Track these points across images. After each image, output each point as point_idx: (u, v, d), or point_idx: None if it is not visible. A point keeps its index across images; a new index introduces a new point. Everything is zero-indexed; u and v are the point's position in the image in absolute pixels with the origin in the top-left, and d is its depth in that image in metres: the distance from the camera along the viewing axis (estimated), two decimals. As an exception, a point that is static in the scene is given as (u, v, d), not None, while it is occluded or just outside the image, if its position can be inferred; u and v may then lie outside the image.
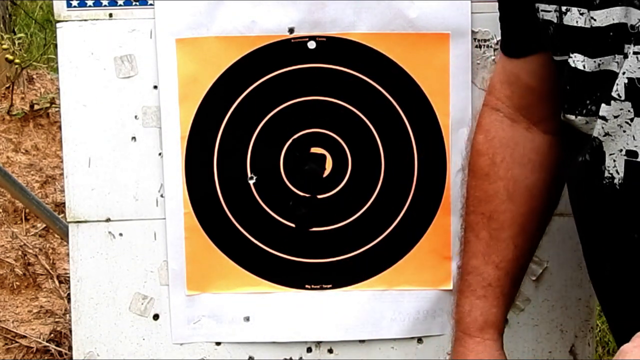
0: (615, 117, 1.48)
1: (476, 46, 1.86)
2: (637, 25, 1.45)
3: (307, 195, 1.89)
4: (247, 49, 1.85)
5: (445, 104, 1.86)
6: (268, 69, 1.86)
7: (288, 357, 1.93)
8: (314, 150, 1.88)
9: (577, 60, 1.51)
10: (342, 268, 1.90)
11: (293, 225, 1.90)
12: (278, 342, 1.93)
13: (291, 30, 1.85)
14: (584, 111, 1.54)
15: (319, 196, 1.89)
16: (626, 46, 1.46)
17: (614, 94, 1.47)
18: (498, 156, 1.74)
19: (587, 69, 1.51)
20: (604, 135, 1.50)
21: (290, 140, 1.88)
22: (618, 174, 1.50)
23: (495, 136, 1.74)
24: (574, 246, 1.89)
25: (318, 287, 1.91)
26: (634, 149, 1.48)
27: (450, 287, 1.91)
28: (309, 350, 1.93)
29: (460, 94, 1.86)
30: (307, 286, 1.91)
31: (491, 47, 1.86)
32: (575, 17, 1.51)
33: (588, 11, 1.49)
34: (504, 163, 1.73)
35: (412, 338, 1.93)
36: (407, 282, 1.91)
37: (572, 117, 1.55)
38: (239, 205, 1.89)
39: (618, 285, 1.57)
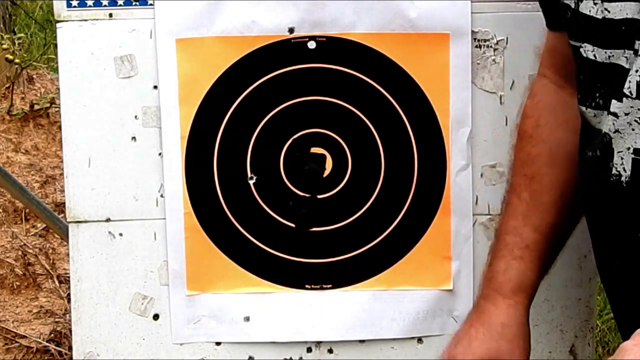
0: (626, 114, 1.48)
1: (476, 46, 1.86)
2: None
3: (307, 195, 1.89)
4: (247, 49, 1.85)
5: (445, 104, 1.86)
6: (268, 69, 1.86)
7: (288, 357, 1.93)
8: (314, 150, 1.88)
9: (588, 50, 1.51)
10: (342, 268, 1.90)
11: (293, 225, 1.90)
12: (278, 342, 1.93)
13: (291, 30, 1.85)
14: (593, 104, 1.54)
15: (319, 196, 1.89)
16: (637, 42, 1.46)
17: (625, 90, 1.47)
18: (542, 119, 1.74)
19: (598, 59, 1.50)
20: (614, 132, 1.49)
21: (290, 140, 1.88)
22: (625, 171, 1.49)
23: (541, 100, 1.74)
24: (574, 246, 1.89)
25: (318, 287, 1.91)
26: None
27: (450, 287, 1.91)
28: (309, 350, 1.93)
29: (460, 94, 1.86)
30: (307, 286, 1.91)
31: (491, 47, 1.86)
32: (589, 6, 1.50)
33: (602, 2, 1.48)
34: (548, 126, 1.73)
35: (412, 338, 1.93)
36: (407, 282, 1.91)
37: (583, 109, 1.55)
38: (239, 205, 1.89)
39: (626, 282, 1.57)
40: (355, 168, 1.88)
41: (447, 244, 1.90)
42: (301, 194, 1.89)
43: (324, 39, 1.85)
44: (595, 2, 1.50)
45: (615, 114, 1.49)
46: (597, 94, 1.53)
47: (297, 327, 1.91)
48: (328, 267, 1.90)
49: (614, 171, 1.51)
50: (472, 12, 1.84)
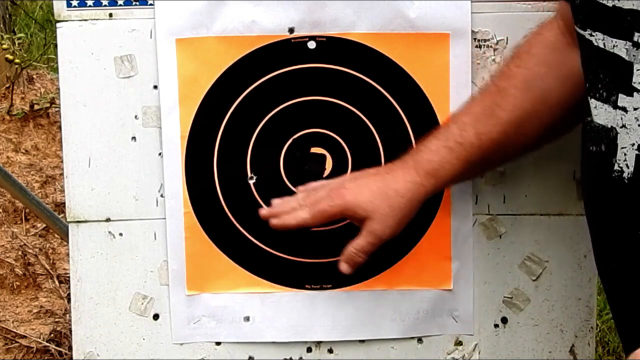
0: (635, 109, 1.46)
1: (476, 46, 1.86)
2: None
3: (307, 195, 1.89)
4: (247, 49, 1.85)
5: (445, 104, 1.86)
6: (268, 69, 1.86)
7: (288, 357, 1.93)
8: (314, 150, 1.88)
9: (599, 39, 1.50)
10: (342, 268, 1.90)
11: (293, 225, 1.89)
12: (278, 342, 1.93)
13: (291, 30, 1.85)
14: (597, 95, 1.53)
15: (319, 196, 1.89)
16: (636, 34, 1.45)
17: (636, 85, 1.46)
18: (535, 48, 1.73)
19: (606, 48, 1.49)
20: (621, 127, 1.49)
21: (290, 140, 1.88)
22: (628, 168, 1.49)
23: (544, 36, 1.73)
24: (574, 246, 1.89)
25: (318, 287, 1.91)
26: None
27: (450, 287, 1.91)
28: (309, 350, 1.93)
29: (460, 94, 1.86)
30: (307, 286, 1.91)
31: (491, 47, 1.86)
32: None
33: None
34: (537, 57, 1.72)
35: (412, 338, 1.93)
36: (407, 282, 1.91)
37: (588, 100, 1.54)
38: (239, 205, 1.89)
39: (624, 279, 1.56)
40: (355, 168, 1.88)
41: (447, 244, 1.90)
42: (301, 194, 1.89)
43: (324, 39, 1.85)
44: None
45: (624, 109, 1.48)
46: (600, 85, 1.52)
47: (297, 327, 1.91)
48: (328, 267, 1.90)
49: (616, 167, 1.50)
50: (472, 12, 1.84)
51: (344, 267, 1.77)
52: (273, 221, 1.79)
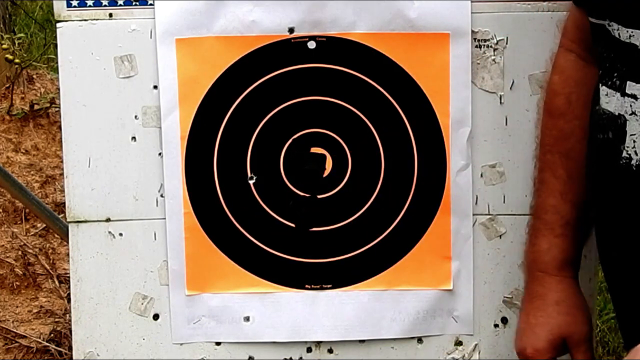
0: None
1: (476, 46, 1.86)
2: None
3: (307, 195, 1.89)
4: (247, 49, 1.85)
5: (445, 104, 1.86)
6: (268, 69, 1.86)
7: (288, 357, 1.93)
8: (314, 150, 1.88)
9: (614, 29, 1.50)
10: (342, 268, 1.90)
11: (293, 225, 1.90)
12: (278, 342, 1.93)
13: (291, 30, 1.85)
14: (610, 82, 1.52)
15: (319, 196, 1.89)
16: None
17: None
18: (574, 95, 1.72)
19: (621, 38, 1.49)
20: (630, 114, 1.48)
21: (290, 140, 1.88)
22: (637, 155, 1.48)
23: (571, 76, 1.72)
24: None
25: (318, 287, 1.91)
26: None
27: (450, 287, 1.91)
28: (309, 350, 1.93)
29: (460, 94, 1.86)
30: (307, 286, 1.91)
31: (491, 47, 1.86)
32: None
33: None
34: (580, 102, 1.71)
35: (412, 338, 1.93)
36: (407, 282, 1.91)
37: (600, 87, 1.53)
38: (239, 205, 1.89)
39: (627, 267, 1.56)
40: (355, 168, 1.88)
41: (447, 244, 1.90)
42: (301, 194, 1.89)
43: (324, 39, 1.85)
44: None
45: (634, 96, 1.47)
46: (616, 74, 1.51)
47: (297, 327, 1.91)
48: (328, 267, 1.90)
49: (624, 154, 1.50)
50: (472, 12, 1.84)
51: None
52: None
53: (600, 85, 1.54)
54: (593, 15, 1.57)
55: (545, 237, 1.74)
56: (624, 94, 1.48)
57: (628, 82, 1.47)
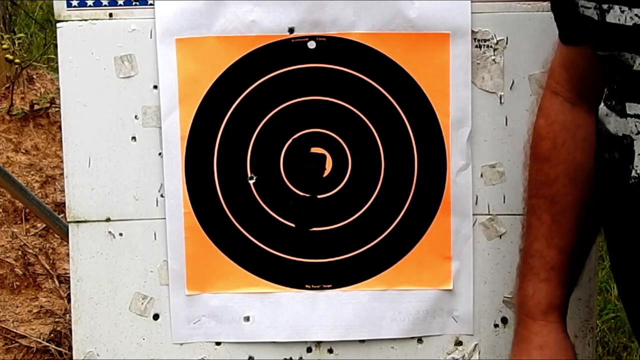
0: None
1: (476, 46, 1.86)
2: None
3: (307, 195, 1.89)
4: (247, 49, 1.85)
5: (445, 104, 1.86)
6: (268, 69, 1.86)
7: (288, 357, 1.93)
8: (314, 150, 1.88)
9: (628, 58, 1.49)
10: (342, 268, 1.90)
11: (293, 225, 1.90)
12: (278, 342, 1.93)
13: (291, 30, 1.85)
14: (609, 103, 1.52)
15: (319, 196, 1.89)
16: None
17: None
18: (559, 139, 1.72)
19: (635, 67, 1.49)
20: (637, 134, 1.48)
21: (290, 140, 1.88)
22: None
23: (556, 120, 1.72)
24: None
25: (318, 287, 1.91)
26: None
27: (450, 287, 1.91)
28: (309, 350, 1.93)
29: (460, 94, 1.86)
30: (307, 286, 1.91)
31: (491, 47, 1.86)
32: (617, 15, 1.48)
33: (629, 9, 1.47)
34: (565, 146, 1.71)
35: (412, 338, 1.93)
36: (407, 282, 1.91)
37: (606, 111, 1.53)
38: (239, 205, 1.89)
39: None
40: (355, 168, 1.88)
41: (447, 244, 1.90)
42: (301, 194, 1.89)
43: (324, 39, 1.85)
44: (622, 9, 1.48)
45: (637, 116, 1.47)
46: (613, 94, 1.51)
47: (297, 327, 1.91)
48: (328, 267, 1.90)
49: (633, 174, 1.49)
50: (472, 12, 1.84)
51: None
52: None
53: (603, 105, 1.54)
54: (598, 49, 1.56)
55: (530, 281, 1.75)
56: (623, 115, 1.48)
57: (627, 104, 1.47)
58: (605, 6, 1.50)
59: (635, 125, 1.48)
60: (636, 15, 1.46)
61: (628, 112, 1.48)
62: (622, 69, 1.50)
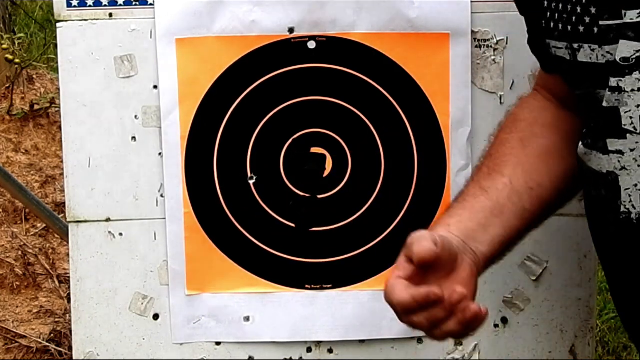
0: (632, 150, 1.46)
1: (476, 46, 1.86)
2: (632, 57, 1.44)
3: (307, 195, 1.89)
4: (247, 49, 1.85)
5: (445, 104, 1.86)
6: (268, 69, 1.86)
7: (288, 357, 1.93)
8: (314, 150, 1.88)
9: (602, 95, 1.49)
10: (342, 268, 1.90)
11: (293, 225, 1.90)
12: (278, 342, 1.93)
13: (291, 30, 1.85)
14: (587, 142, 1.52)
15: (319, 196, 1.89)
16: (611, 79, 1.45)
17: (629, 127, 1.45)
18: (522, 114, 1.68)
19: (604, 104, 1.49)
20: (620, 169, 1.48)
21: (290, 140, 1.88)
22: (635, 208, 1.47)
23: (527, 105, 1.69)
24: (574, 246, 1.89)
25: (318, 287, 1.91)
26: None
27: (450, 287, 1.90)
28: (309, 350, 1.93)
29: (460, 94, 1.86)
30: (307, 286, 1.91)
31: (491, 47, 1.86)
32: (588, 53, 1.49)
33: (599, 47, 1.47)
34: (526, 121, 1.67)
35: (412, 338, 1.93)
36: (407, 282, 1.91)
37: (586, 151, 1.52)
38: (239, 205, 1.89)
39: None
40: (355, 168, 1.88)
41: (447, 244, 1.90)
42: (301, 194, 1.89)
43: (324, 39, 1.85)
44: (593, 47, 1.48)
45: (620, 152, 1.47)
46: (590, 133, 1.51)
47: (297, 327, 1.91)
48: (328, 267, 1.90)
49: (622, 209, 1.49)
50: (472, 12, 1.85)
51: None
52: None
53: (581, 145, 1.53)
54: (573, 87, 1.56)
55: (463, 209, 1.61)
56: (605, 152, 1.48)
57: (611, 140, 1.47)
58: (575, 45, 1.50)
59: (619, 161, 1.48)
60: (608, 52, 1.46)
61: (610, 148, 1.48)
62: (598, 107, 1.50)
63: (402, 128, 1.87)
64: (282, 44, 1.85)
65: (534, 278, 1.92)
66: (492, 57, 1.86)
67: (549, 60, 1.59)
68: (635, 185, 1.47)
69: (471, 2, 1.84)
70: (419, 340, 1.94)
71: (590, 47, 1.48)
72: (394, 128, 1.87)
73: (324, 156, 1.88)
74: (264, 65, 1.85)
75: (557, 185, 1.65)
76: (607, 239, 1.55)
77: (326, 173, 1.89)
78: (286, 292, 1.91)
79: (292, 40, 1.85)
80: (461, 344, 1.94)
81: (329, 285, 1.91)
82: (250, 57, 1.85)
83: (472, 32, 1.85)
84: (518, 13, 1.65)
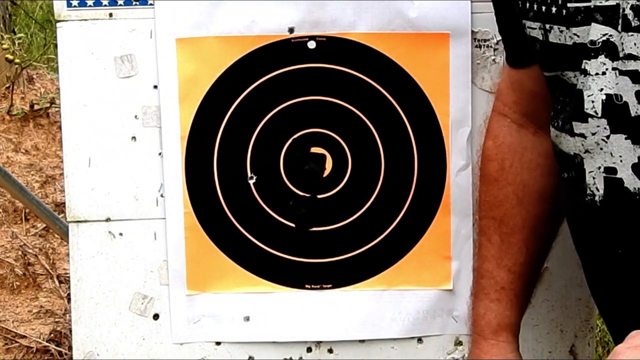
0: (593, 134, 1.49)
1: (476, 46, 1.86)
2: (598, 40, 1.45)
3: (307, 195, 1.89)
4: (247, 49, 1.85)
5: (445, 104, 1.86)
6: (268, 69, 1.86)
7: (288, 357, 1.93)
8: (314, 150, 1.88)
9: (571, 77, 1.52)
10: (342, 268, 1.90)
11: (293, 225, 1.90)
12: (278, 342, 1.93)
13: (291, 30, 1.85)
14: (556, 124, 1.56)
15: (319, 196, 1.89)
16: (584, 62, 1.47)
17: (590, 111, 1.48)
18: (507, 162, 1.76)
19: (567, 80, 1.52)
20: (584, 153, 1.51)
21: (290, 140, 1.88)
22: (598, 191, 1.51)
23: (504, 142, 1.77)
24: (574, 246, 1.89)
25: (318, 287, 1.91)
26: (612, 165, 1.48)
27: (450, 287, 1.91)
28: (309, 350, 1.93)
29: (460, 94, 1.86)
30: (307, 286, 1.91)
31: (491, 47, 1.86)
32: (557, 35, 1.52)
33: (567, 28, 1.50)
34: (513, 168, 1.76)
35: (412, 338, 1.93)
36: (407, 282, 1.91)
37: (557, 132, 1.56)
38: (239, 205, 1.89)
39: (613, 295, 1.58)
40: (355, 168, 1.88)
41: (447, 244, 1.90)
42: (301, 194, 1.89)
43: (324, 39, 1.85)
44: (561, 29, 1.51)
45: (582, 135, 1.50)
46: (558, 115, 1.55)
47: (297, 327, 1.91)
48: (328, 267, 1.90)
49: (587, 191, 1.52)
50: (472, 12, 1.85)
51: None
52: None
53: (551, 127, 1.56)
54: (545, 69, 1.59)
55: (481, 301, 1.80)
56: (572, 134, 1.50)
57: (575, 123, 1.49)
58: (547, 26, 1.53)
59: (582, 144, 1.50)
60: (575, 34, 1.48)
61: (575, 131, 1.50)
62: (565, 89, 1.53)
63: (402, 128, 1.87)
64: (282, 44, 1.85)
65: (534, 278, 1.92)
66: (492, 57, 1.86)
67: (522, 45, 1.63)
68: (599, 168, 1.50)
69: (471, 2, 1.84)
70: (419, 340, 1.94)
71: (559, 28, 1.51)
72: (394, 128, 1.87)
73: (324, 156, 1.88)
74: (264, 65, 1.85)
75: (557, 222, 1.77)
76: (576, 221, 1.58)
77: (326, 173, 1.89)
78: (286, 292, 1.91)
79: (292, 40, 1.85)
80: (461, 344, 1.94)
81: (329, 285, 1.91)
82: (250, 57, 1.85)
83: (472, 32, 1.85)
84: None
